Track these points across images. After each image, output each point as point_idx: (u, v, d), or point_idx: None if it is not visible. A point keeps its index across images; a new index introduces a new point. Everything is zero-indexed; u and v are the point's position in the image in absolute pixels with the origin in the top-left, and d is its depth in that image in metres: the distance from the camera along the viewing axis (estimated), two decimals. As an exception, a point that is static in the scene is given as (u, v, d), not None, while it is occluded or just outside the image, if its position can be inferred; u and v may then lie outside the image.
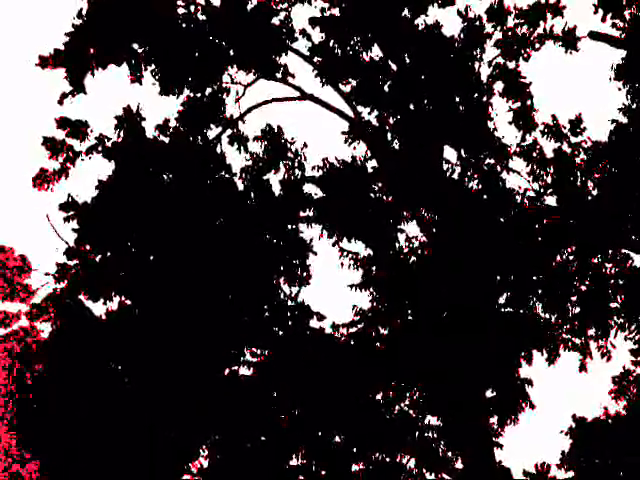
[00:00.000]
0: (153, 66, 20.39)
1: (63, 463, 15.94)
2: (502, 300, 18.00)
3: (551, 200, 18.83)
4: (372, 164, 19.59)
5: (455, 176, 18.93)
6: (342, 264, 18.90)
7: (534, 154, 19.34)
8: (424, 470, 18.22)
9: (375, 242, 18.49)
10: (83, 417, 15.56)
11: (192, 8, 20.51)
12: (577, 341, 19.78)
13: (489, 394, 17.93)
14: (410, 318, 17.75)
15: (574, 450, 16.63)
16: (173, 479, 16.06)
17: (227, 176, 19.17)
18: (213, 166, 19.27)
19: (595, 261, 18.37)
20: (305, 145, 20.82)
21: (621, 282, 18.47)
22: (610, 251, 18.31)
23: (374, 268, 18.50)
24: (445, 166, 19.29)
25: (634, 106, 18.16)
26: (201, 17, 20.44)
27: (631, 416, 17.28)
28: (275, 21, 20.43)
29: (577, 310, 18.86)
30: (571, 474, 16.92)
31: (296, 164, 20.38)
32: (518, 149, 19.67)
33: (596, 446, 16.52)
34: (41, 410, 16.24)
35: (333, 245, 19.07)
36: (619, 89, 18.40)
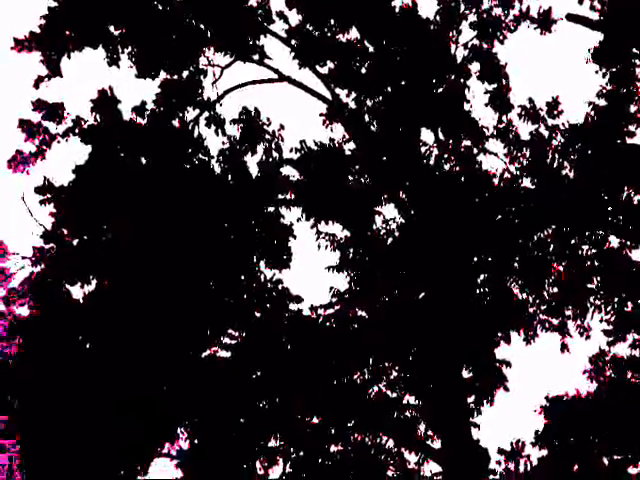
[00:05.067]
0: (130, 48, 20.23)
1: (42, 445, 15.96)
2: (479, 281, 18.10)
3: (528, 182, 18.95)
4: (350, 146, 19.63)
5: (432, 158, 18.98)
6: (319, 246, 18.92)
7: (511, 136, 19.42)
8: (403, 450, 18.38)
9: (352, 224, 18.51)
10: (61, 399, 15.57)
11: (169, -11, 20.30)
12: (555, 321, 19.94)
13: (466, 375, 18.08)
14: (386, 299, 17.84)
15: (548, 428, 16.84)
16: (147, 460, 16.13)
17: (205, 159, 19.11)
18: (191, 149, 19.20)
19: (572, 242, 18.49)
20: (282, 127, 20.71)
21: (597, 263, 18.63)
22: (587, 232, 18.42)
23: (351, 250, 18.54)
24: (422, 148, 19.32)
25: (610, 88, 18.26)
26: (178, -2, 20.26)
27: (604, 395, 17.49)
28: (252, 2, 20.30)
29: (554, 290, 19.02)
30: (545, 452, 17.15)
31: (274, 146, 20.31)
32: (495, 131, 19.73)
33: (569, 424, 16.73)
34: (20, 394, 16.24)
35: (312, 227, 19.07)
36: (596, 72, 18.48)
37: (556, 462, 17.51)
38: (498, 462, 19.60)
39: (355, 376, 17.94)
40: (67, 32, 20.20)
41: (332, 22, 19.43)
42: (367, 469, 17.69)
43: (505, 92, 19.78)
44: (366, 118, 19.35)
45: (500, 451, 17.85)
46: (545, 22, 19.95)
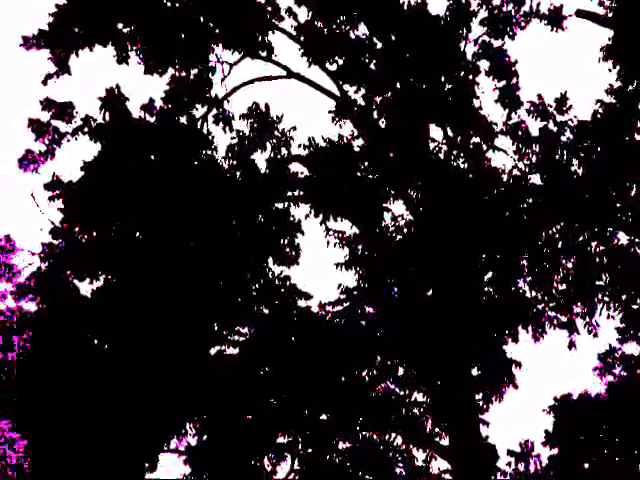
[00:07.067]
0: (138, 46, 20.26)
1: (51, 442, 16.00)
2: (487, 278, 18.06)
3: (536, 179, 18.90)
4: (358, 143, 19.58)
5: (441, 155, 18.95)
6: (328, 243, 18.92)
7: (519, 133, 19.36)
8: (411, 447, 18.34)
9: (361, 221, 18.51)
10: (69, 395, 15.61)
11: (177, -14, 20.31)
12: (563, 318, 19.83)
13: (475, 372, 18.05)
14: (396, 296, 17.82)
15: (558, 427, 16.77)
16: (152, 456, 16.14)
17: (213, 155, 19.13)
18: (199, 146, 19.22)
19: (581, 239, 18.43)
20: (294, 128, 20.67)
21: (606, 260, 18.56)
22: (595, 229, 18.36)
23: (360, 247, 18.53)
24: (431, 145, 19.30)
25: (619, 85, 18.21)
26: (186, -5, 20.26)
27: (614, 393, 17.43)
28: (260, -1, 20.36)
29: (562, 287, 18.95)
30: (555, 451, 17.07)
31: (282, 143, 20.29)
32: (504, 127, 19.68)
33: (580, 423, 16.66)
34: (27, 390, 16.28)
35: (320, 224, 19.06)
36: (609, 70, 18.42)
37: (566, 462, 17.47)
38: (508, 464, 19.52)
39: (363, 373, 17.94)
40: (76, 29, 20.25)
41: (341, 19, 19.47)
42: (375, 466, 17.68)
43: (515, 89, 19.77)
44: (375, 114, 19.35)
45: (510, 452, 17.78)
46: (556, 19, 19.89)
